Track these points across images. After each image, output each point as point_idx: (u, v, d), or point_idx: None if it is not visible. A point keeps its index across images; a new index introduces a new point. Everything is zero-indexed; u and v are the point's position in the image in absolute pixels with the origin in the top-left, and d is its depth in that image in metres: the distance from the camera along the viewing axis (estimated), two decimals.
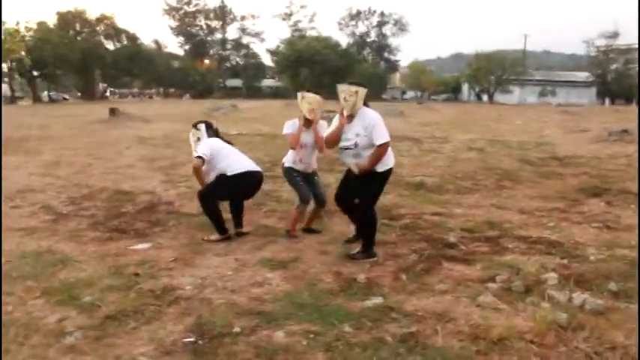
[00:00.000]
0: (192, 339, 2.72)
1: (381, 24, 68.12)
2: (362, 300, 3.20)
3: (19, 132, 14.94)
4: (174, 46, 71.97)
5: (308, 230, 4.71)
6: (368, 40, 68.79)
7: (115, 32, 56.91)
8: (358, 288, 3.41)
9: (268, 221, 5.17)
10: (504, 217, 5.28)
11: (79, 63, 50.96)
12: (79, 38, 53.71)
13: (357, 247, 4.10)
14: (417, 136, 14.06)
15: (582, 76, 56.33)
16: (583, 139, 13.24)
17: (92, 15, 55.00)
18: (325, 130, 4.30)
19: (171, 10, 66.85)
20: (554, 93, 56.75)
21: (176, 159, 9.44)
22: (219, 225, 4.47)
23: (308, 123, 4.43)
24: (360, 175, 3.91)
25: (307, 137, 4.45)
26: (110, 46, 57.46)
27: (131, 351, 2.62)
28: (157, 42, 66.43)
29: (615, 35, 51.61)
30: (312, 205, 4.62)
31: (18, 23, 46.09)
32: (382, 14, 67.69)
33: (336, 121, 4.03)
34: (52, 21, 52.39)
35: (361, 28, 68.60)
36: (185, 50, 68.74)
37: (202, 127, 4.66)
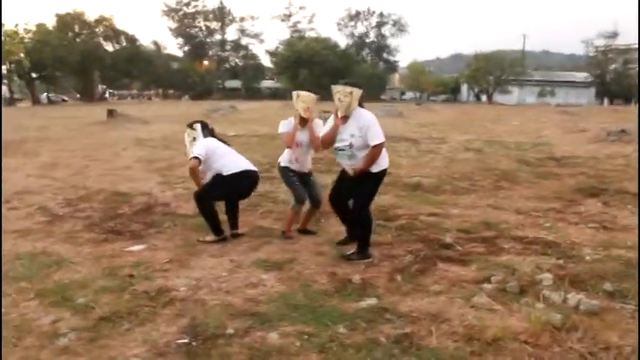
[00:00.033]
0: (185, 340, 2.72)
1: (380, 25, 68.17)
2: (356, 301, 3.19)
3: (17, 134, 14.95)
4: (174, 47, 72.11)
5: (304, 231, 4.70)
6: (367, 40, 68.81)
7: (113, 34, 56.97)
8: (353, 289, 3.40)
9: (264, 222, 5.16)
10: (501, 218, 5.27)
11: (78, 65, 51.01)
12: (78, 40, 53.77)
13: (351, 248, 4.10)
14: (415, 136, 14.07)
15: (581, 76, 56.41)
16: (581, 140, 13.25)
17: (91, 17, 55.23)
18: (321, 128, 4.30)
19: (170, 12, 66.92)
20: (553, 93, 56.82)
21: (174, 160, 9.43)
22: (214, 226, 4.47)
23: (303, 122, 4.43)
24: (354, 176, 3.91)
25: (303, 136, 4.45)
26: (109, 47, 57.55)
27: (124, 352, 2.62)
28: (156, 43, 66.50)
29: (614, 35, 51.74)
30: (307, 206, 4.62)
31: (17, 25, 46.21)
32: (381, 15, 67.81)
33: (331, 122, 4.03)
34: (51, 23, 52.59)
35: (360, 28, 68.74)
36: (184, 51, 68.79)
37: (198, 127, 4.65)
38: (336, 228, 4.80)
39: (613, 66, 53.60)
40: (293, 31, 68.00)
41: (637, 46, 45.05)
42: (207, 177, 4.50)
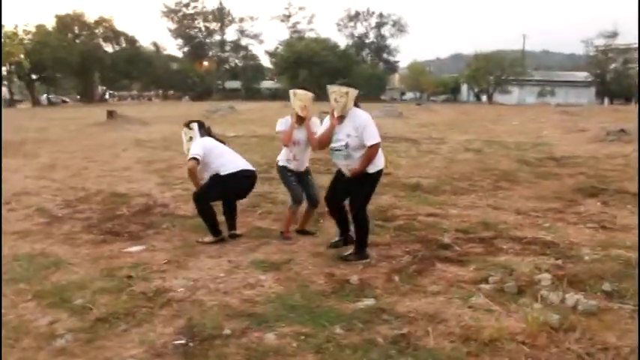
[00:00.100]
0: (182, 341, 2.72)
1: (379, 25, 68.10)
2: (354, 301, 3.19)
3: (17, 135, 14.94)
4: (173, 48, 71.73)
5: (302, 232, 4.70)
6: (367, 41, 68.76)
7: (113, 35, 56.97)
8: (350, 289, 3.40)
9: (262, 223, 5.16)
10: (500, 218, 5.27)
11: (78, 66, 51.02)
12: (77, 41, 53.77)
13: (349, 249, 4.09)
14: (415, 137, 14.06)
15: (581, 76, 56.35)
16: (581, 139, 13.24)
17: (91, 18, 55.21)
18: (318, 126, 4.30)
19: (169, 13, 66.88)
20: (553, 93, 56.75)
21: (173, 161, 9.43)
22: (213, 227, 4.47)
23: (300, 120, 4.44)
24: (351, 177, 3.91)
25: (300, 134, 4.45)
26: (109, 48, 57.58)
27: (121, 353, 2.62)
28: (155, 44, 66.42)
29: (614, 35, 51.68)
30: (305, 206, 4.61)
31: (16, 26, 46.19)
32: (381, 15, 67.72)
33: (327, 122, 4.03)
34: (50, 24, 52.57)
35: (360, 29, 68.65)
36: (184, 52, 68.76)
37: (195, 126, 4.64)
38: (335, 229, 4.79)
39: (613, 65, 53.55)
40: (292, 31, 68.01)
41: (637, 45, 45.01)
42: (205, 177, 4.50)
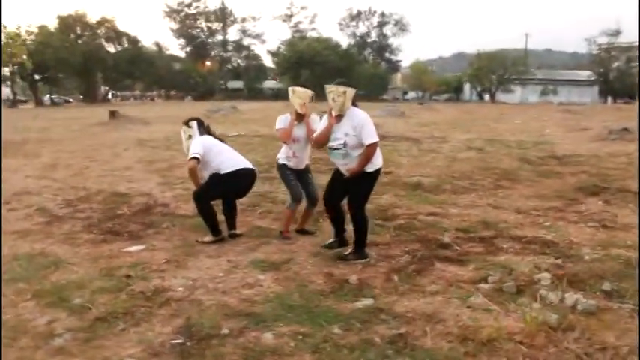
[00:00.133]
0: (180, 340, 2.72)
1: (381, 24, 68.07)
2: (352, 301, 3.18)
3: (19, 135, 14.99)
4: (176, 48, 72.32)
5: (302, 232, 4.69)
6: (369, 40, 68.75)
7: (115, 35, 57.11)
8: (349, 289, 3.40)
9: (262, 222, 5.16)
10: (500, 217, 5.25)
11: (81, 66, 51.18)
12: (80, 41, 53.92)
13: (348, 249, 4.09)
14: (417, 136, 14.04)
15: (584, 74, 56.20)
16: (583, 138, 13.20)
17: (93, 18, 55.38)
18: (317, 124, 4.29)
19: (171, 13, 67.02)
20: (555, 92, 56.59)
21: (174, 161, 9.44)
22: (213, 226, 4.47)
23: (300, 117, 4.44)
24: (350, 177, 3.90)
25: (299, 131, 4.45)
26: (111, 49, 57.73)
27: (119, 353, 2.62)
28: (158, 44, 66.56)
29: (617, 33, 51.57)
30: (304, 205, 4.61)
31: (19, 27, 46.37)
32: (383, 14, 67.70)
33: (325, 122, 4.02)
34: (53, 24, 52.79)
35: (362, 28, 68.66)
36: (186, 52, 68.88)
37: (194, 124, 4.63)
38: (331, 229, 4.79)
39: (616, 64, 53.40)
40: (294, 31, 68.04)
41: (639, 44, 44.82)
42: (205, 176, 4.50)
